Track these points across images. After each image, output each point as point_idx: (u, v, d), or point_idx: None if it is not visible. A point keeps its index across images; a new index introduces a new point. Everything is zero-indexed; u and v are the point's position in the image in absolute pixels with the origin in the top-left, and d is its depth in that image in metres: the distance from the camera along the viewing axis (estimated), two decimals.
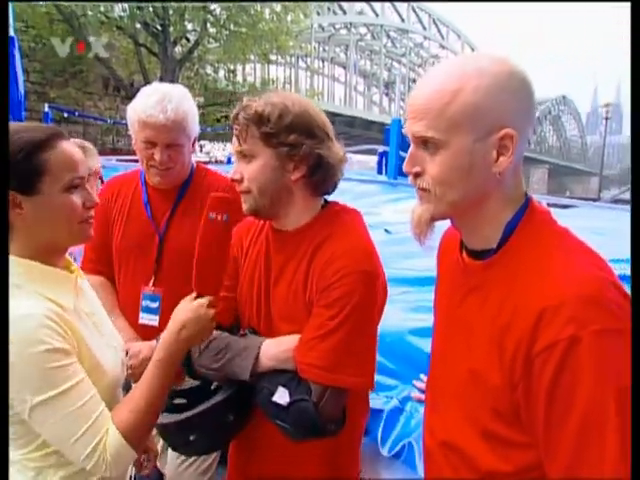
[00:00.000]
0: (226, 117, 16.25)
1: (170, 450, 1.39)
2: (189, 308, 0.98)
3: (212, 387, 1.09)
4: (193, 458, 1.37)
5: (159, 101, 1.33)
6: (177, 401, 1.07)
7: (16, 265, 0.88)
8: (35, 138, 0.86)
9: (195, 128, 1.45)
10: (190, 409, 1.04)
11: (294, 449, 1.03)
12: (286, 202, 1.05)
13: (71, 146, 0.91)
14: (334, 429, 0.97)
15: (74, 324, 0.89)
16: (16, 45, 6.37)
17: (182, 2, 12.74)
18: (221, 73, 18.46)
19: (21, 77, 6.28)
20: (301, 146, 1.00)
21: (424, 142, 0.71)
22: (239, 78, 19.22)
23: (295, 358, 0.98)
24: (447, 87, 0.68)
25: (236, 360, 1.01)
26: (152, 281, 1.45)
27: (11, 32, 6.35)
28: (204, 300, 0.99)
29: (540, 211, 0.74)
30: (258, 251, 1.12)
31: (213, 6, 14.26)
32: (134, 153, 1.49)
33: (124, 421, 0.88)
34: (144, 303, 1.45)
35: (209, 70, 17.78)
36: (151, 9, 13.07)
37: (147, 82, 15.29)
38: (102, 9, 13.33)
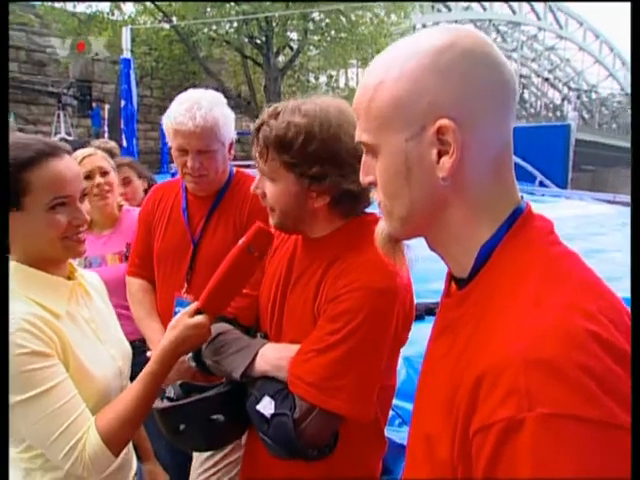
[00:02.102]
0: None
1: (194, 461, 1.39)
2: (191, 325, 0.97)
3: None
4: (213, 471, 1.34)
5: (188, 109, 1.34)
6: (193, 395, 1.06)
7: (10, 269, 0.92)
8: (22, 157, 0.88)
9: (229, 134, 1.43)
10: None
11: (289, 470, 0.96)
12: (309, 222, 0.99)
13: (61, 165, 0.92)
14: (316, 455, 0.88)
15: (61, 329, 0.91)
16: (132, 66, 7.11)
17: (284, 11, 13.22)
18: (323, 79, 18.86)
19: (135, 94, 6.99)
20: (325, 178, 0.91)
21: (367, 148, 0.59)
22: (341, 83, 19.46)
23: (288, 368, 0.91)
24: (371, 81, 0.56)
25: (234, 357, 0.98)
26: (185, 287, 1.46)
27: (128, 55, 7.12)
28: (206, 320, 0.98)
29: (534, 227, 0.56)
30: (284, 253, 1.08)
31: (314, 14, 14.60)
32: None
33: (106, 425, 0.88)
34: (177, 309, 1.46)
35: (311, 77, 18.25)
36: (255, 22, 13.76)
37: (252, 92, 16.28)
38: (214, 27, 14.39)
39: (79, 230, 0.95)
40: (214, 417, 1.00)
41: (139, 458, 1.21)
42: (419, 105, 0.53)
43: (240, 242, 1.00)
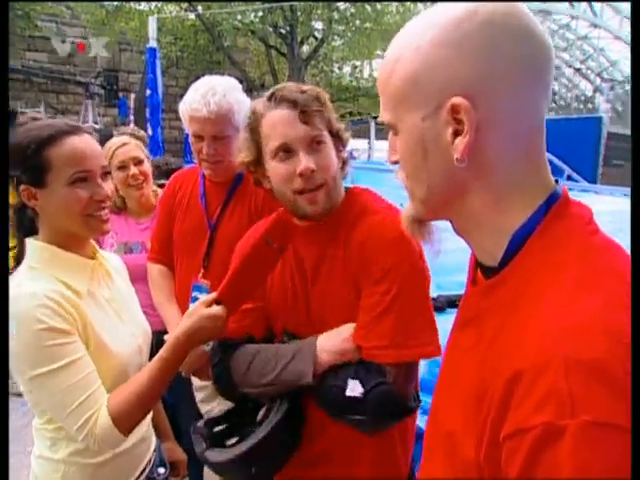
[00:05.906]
0: (350, 113, 16.49)
1: None
2: (206, 315, 0.94)
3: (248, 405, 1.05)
4: None
5: (203, 95, 1.34)
6: (217, 429, 1.03)
7: (35, 248, 0.95)
8: (42, 135, 0.91)
9: (243, 119, 1.43)
10: (237, 438, 0.99)
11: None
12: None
13: (80, 142, 0.94)
14: (414, 406, 0.94)
15: (82, 307, 0.93)
16: (158, 55, 7.18)
17: (309, 0, 13.10)
18: (347, 69, 18.70)
19: (160, 83, 7.06)
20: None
21: (389, 127, 0.57)
22: (365, 74, 19.27)
23: (358, 345, 0.92)
24: (390, 58, 0.54)
25: (290, 366, 0.94)
26: (201, 273, 1.48)
27: (154, 44, 7.18)
28: (222, 311, 0.95)
29: (572, 214, 0.51)
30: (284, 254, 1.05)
31: (339, 2, 14.46)
32: None
33: (116, 406, 0.91)
34: (193, 294, 1.48)
35: (335, 67, 18.12)
36: (279, 12, 13.70)
37: (276, 82, 16.23)
38: (239, 17, 14.39)
39: (101, 206, 0.96)
40: (284, 441, 0.98)
41: (159, 437, 1.24)
42: (434, 82, 0.50)
43: (258, 234, 0.98)
